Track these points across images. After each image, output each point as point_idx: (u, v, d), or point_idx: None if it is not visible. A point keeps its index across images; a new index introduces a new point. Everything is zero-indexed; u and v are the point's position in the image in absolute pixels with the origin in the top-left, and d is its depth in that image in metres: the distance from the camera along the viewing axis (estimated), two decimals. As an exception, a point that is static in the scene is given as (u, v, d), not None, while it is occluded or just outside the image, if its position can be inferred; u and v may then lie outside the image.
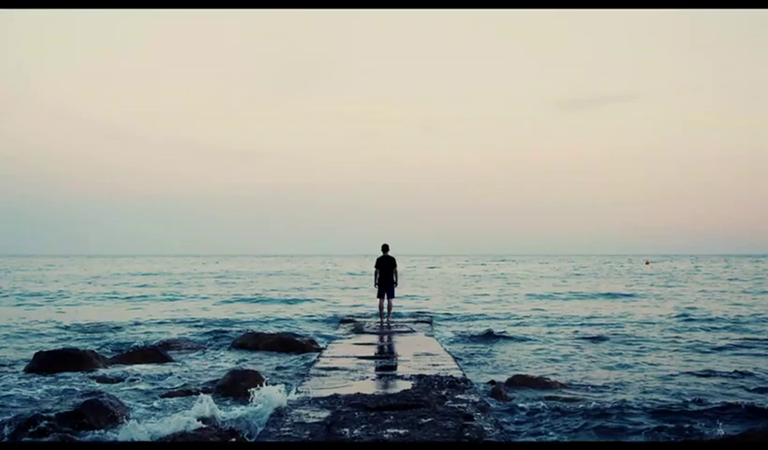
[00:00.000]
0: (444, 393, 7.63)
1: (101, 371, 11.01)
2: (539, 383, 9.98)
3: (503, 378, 10.47)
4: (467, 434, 5.79)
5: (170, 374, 10.81)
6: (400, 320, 17.69)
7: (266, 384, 7.63)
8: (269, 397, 7.14)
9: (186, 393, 9.18)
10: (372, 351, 11.64)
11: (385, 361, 10.45)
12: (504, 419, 7.67)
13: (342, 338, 13.93)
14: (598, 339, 15.36)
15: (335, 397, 7.44)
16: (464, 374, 9.12)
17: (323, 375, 8.98)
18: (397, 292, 16.09)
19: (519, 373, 10.78)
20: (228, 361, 12.49)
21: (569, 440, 7.11)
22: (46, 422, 6.88)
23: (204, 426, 6.74)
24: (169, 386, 9.85)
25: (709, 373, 11.17)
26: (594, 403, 8.59)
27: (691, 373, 11.18)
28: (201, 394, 7.64)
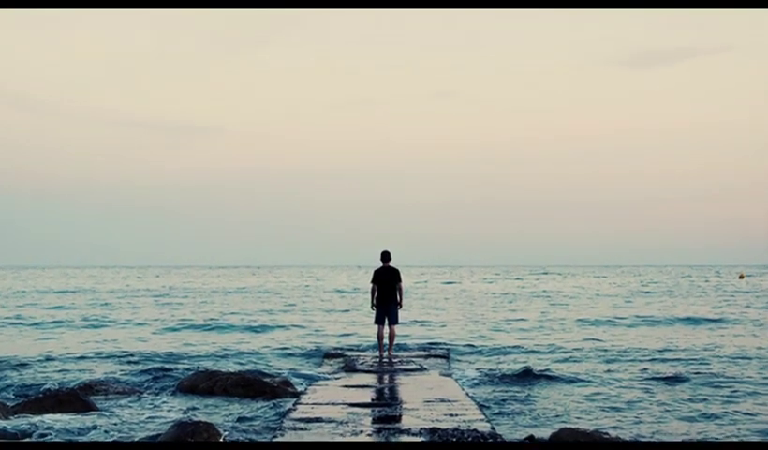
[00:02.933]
0: (466, 452, 7.66)
1: (1, 424, 11.04)
2: (595, 440, 9.99)
3: (546, 432, 10.49)
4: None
5: (95, 427, 10.82)
6: (406, 353, 17.73)
7: (224, 441, 7.65)
8: (228, 458, 7.16)
9: (116, 453, 9.20)
10: (368, 395, 11.70)
11: (385, 409, 10.49)
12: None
13: (327, 379, 13.97)
14: (674, 380, 15.40)
15: (318, 457, 7.46)
16: (492, 427, 9.14)
17: (302, 429, 9.02)
18: (402, 315, 16.12)
19: (567, 426, 10.79)
20: (172, 409, 12.52)
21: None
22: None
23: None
24: (92, 444, 9.86)
25: (825, 426, 11.19)
26: (669, 466, 8.62)
27: (801, 426, 11.21)
28: (137, 454, 7.67)
